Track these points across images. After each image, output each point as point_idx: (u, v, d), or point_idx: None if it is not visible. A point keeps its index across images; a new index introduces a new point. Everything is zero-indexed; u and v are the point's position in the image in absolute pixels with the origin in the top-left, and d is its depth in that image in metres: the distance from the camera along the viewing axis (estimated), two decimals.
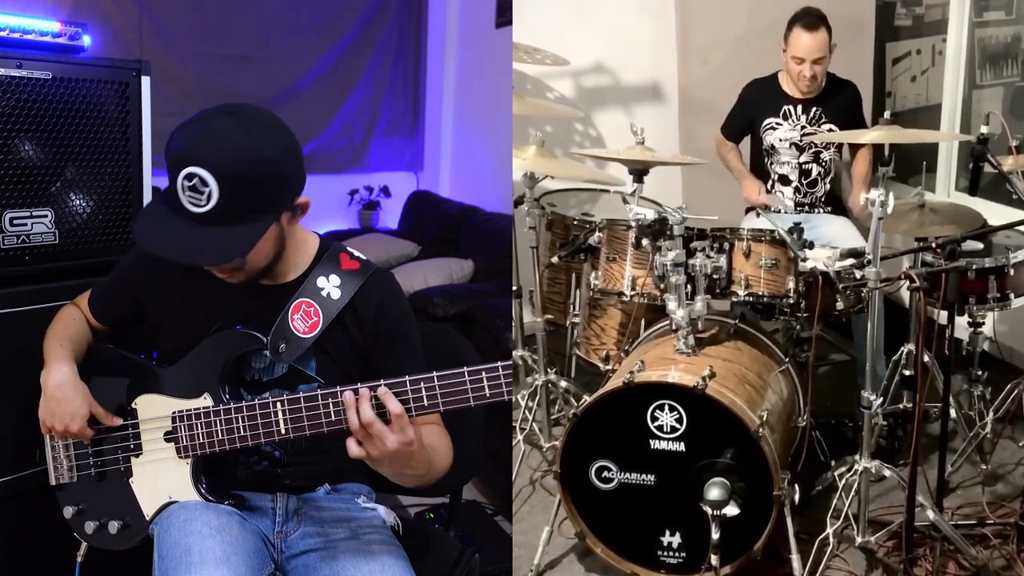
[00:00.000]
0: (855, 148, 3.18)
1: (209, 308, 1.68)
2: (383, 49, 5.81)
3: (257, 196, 1.50)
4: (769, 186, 3.19)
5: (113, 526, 1.69)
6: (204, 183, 1.45)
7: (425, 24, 5.93)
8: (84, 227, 2.09)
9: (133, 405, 1.70)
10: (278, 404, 1.56)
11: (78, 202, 2.07)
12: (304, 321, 1.65)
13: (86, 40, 2.12)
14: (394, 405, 1.44)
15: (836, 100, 3.10)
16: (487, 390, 1.44)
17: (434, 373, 1.47)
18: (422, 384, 1.46)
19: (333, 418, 1.52)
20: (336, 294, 1.67)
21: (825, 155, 3.12)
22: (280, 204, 1.56)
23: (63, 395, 1.66)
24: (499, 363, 1.43)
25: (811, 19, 2.96)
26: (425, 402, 1.47)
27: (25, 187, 1.97)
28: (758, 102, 3.17)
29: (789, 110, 3.10)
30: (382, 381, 1.48)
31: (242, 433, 1.60)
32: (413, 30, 5.92)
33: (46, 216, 2.01)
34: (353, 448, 1.45)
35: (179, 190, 1.47)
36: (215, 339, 1.66)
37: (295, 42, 5.41)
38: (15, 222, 1.96)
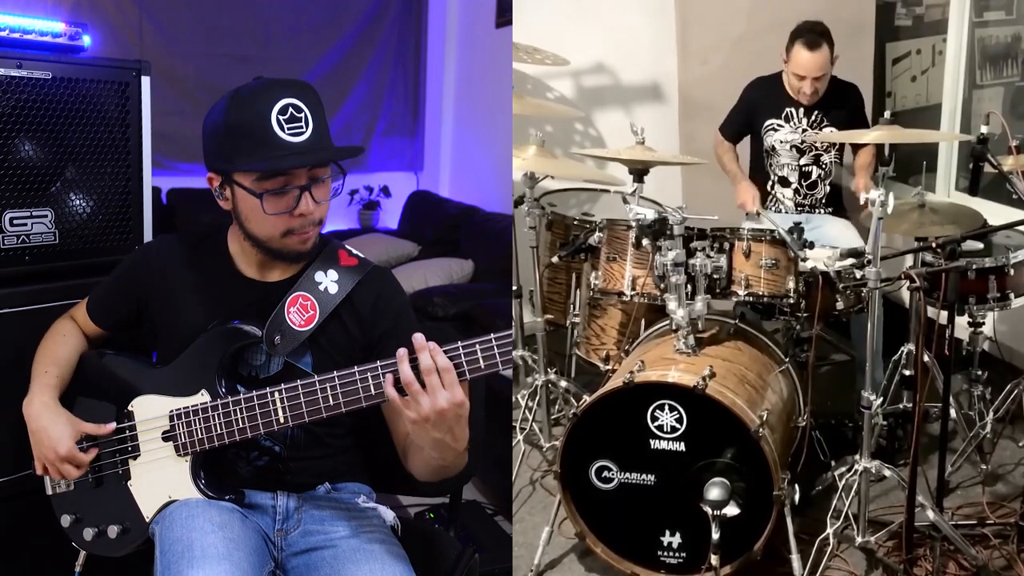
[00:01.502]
0: (858, 145, 3.17)
1: (209, 306, 1.69)
2: (383, 49, 5.81)
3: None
4: (769, 187, 3.18)
5: (112, 531, 1.68)
6: (299, 109, 1.56)
7: (425, 24, 5.93)
8: (84, 227, 2.09)
9: (129, 408, 1.70)
10: (276, 393, 1.57)
11: (78, 202, 2.07)
12: (300, 314, 1.65)
13: (86, 40, 2.13)
14: (442, 360, 1.42)
15: (839, 105, 3.08)
16: (482, 361, 1.43)
17: None
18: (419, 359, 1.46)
19: (331, 403, 1.52)
20: (333, 289, 1.68)
21: (825, 158, 3.11)
22: None
23: (41, 425, 1.67)
24: (492, 335, 1.42)
25: (812, 36, 2.92)
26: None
27: (25, 187, 1.97)
28: (760, 102, 3.16)
29: (791, 112, 3.10)
30: (379, 362, 1.48)
31: (241, 425, 1.60)
32: (413, 30, 5.92)
33: (46, 216, 2.01)
34: (390, 390, 1.44)
35: (277, 129, 1.53)
36: (210, 335, 1.66)
37: (295, 42, 5.41)
38: (15, 222, 1.96)
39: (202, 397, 1.64)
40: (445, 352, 1.43)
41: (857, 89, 3.14)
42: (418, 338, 1.44)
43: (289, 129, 1.54)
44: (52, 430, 1.67)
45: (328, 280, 1.69)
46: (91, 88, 2.05)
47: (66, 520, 1.73)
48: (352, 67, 5.70)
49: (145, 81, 2.14)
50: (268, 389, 1.58)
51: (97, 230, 2.11)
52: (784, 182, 3.16)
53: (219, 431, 1.62)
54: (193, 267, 1.73)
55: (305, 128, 1.56)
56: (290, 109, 1.55)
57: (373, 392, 1.49)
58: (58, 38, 2.07)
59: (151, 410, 1.68)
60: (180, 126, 3.97)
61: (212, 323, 1.67)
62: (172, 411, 1.66)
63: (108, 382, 1.74)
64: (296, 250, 1.65)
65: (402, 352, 1.44)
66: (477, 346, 1.43)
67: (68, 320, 1.85)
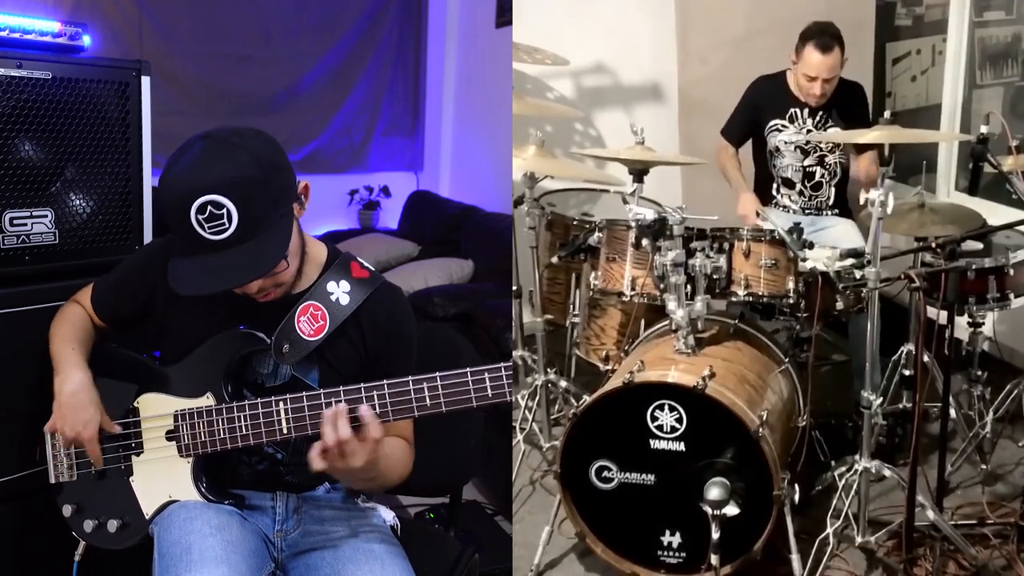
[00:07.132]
0: (858, 151, 3.15)
1: (216, 311, 1.67)
2: (383, 49, 5.81)
3: (269, 197, 1.50)
4: (774, 189, 3.17)
5: (112, 525, 1.69)
6: (219, 206, 1.44)
7: (425, 24, 5.93)
8: (84, 227, 2.08)
9: (135, 404, 1.70)
10: (280, 404, 1.57)
11: (78, 202, 2.07)
12: (310, 324, 1.64)
13: (86, 40, 2.12)
14: (366, 411, 1.46)
15: (844, 105, 3.06)
16: (489, 390, 1.44)
17: (437, 374, 1.47)
18: (425, 384, 1.46)
19: None
20: (345, 300, 1.66)
21: (830, 158, 3.09)
22: (288, 195, 1.55)
23: (78, 402, 1.66)
24: (501, 364, 1.43)
25: (825, 38, 2.89)
26: (428, 402, 1.48)
27: (25, 187, 1.97)
28: (765, 101, 3.13)
29: (796, 113, 3.08)
30: (385, 381, 1.49)
31: (244, 432, 1.60)
32: (413, 30, 5.92)
33: (46, 216, 2.01)
34: (317, 462, 1.46)
35: (196, 227, 1.45)
36: (218, 339, 1.66)
37: (295, 42, 5.41)
38: (15, 222, 1.96)
39: (207, 400, 1.64)
40: (450, 377, 1.45)
41: (862, 88, 3.12)
42: (340, 407, 1.47)
43: (209, 228, 1.45)
44: (86, 411, 1.65)
45: (340, 291, 1.67)
46: (91, 88, 2.04)
47: (67, 510, 1.73)
48: (352, 67, 5.69)
49: (145, 81, 2.14)
50: (273, 399, 1.58)
51: (97, 230, 2.10)
52: (788, 183, 3.14)
53: (222, 436, 1.62)
54: None
55: (228, 225, 1.45)
56: (209, 206, 1.44)
57: (377, 411, 1.50)
58: (58, 38, 2.07)
59: (156, 408, 1.68)
60: (180, 126, 3.95)
61: (219, 327, 1.66)
62: (177, 411, 1.66)
63: (116, 373, 1.73)
64: (269, 301, 1.63)
65: (329, 415, 1.47)
66: (486, 375, 1.45)
67: (77, 305, 1.84)
